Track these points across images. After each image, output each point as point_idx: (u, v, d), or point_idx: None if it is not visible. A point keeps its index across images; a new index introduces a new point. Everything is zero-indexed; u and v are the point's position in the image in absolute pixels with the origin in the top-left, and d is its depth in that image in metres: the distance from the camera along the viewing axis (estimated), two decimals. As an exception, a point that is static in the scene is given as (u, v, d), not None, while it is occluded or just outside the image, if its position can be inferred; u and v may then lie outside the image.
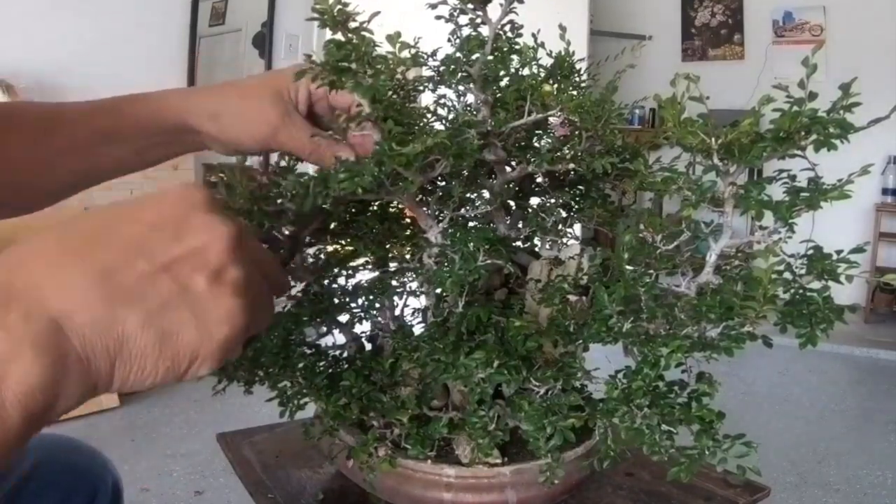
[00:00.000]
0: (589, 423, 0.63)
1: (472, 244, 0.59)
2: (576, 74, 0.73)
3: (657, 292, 0.58)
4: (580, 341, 0.61)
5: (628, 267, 0.58)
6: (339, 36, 0.52)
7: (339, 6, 0.49)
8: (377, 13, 0.52)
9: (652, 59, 5.12)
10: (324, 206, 0.60)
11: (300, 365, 0.71)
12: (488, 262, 0.60)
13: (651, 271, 0.58)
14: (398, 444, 0.68)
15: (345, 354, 0.79)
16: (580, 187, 0.79)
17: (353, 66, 0.52)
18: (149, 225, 0.39)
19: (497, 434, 0.62)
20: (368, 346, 0.83)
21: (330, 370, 0.72)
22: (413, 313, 0.80)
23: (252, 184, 0.77)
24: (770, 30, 4.95)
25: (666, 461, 0.56)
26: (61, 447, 0.87)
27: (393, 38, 0.53)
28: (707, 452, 0.55)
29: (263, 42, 3.57)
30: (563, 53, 0.71)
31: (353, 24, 0.51)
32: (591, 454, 0.66)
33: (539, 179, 0.82)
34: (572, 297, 0.63)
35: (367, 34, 0.52)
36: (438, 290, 0.69)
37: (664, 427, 0.55)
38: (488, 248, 0.60)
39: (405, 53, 0.55)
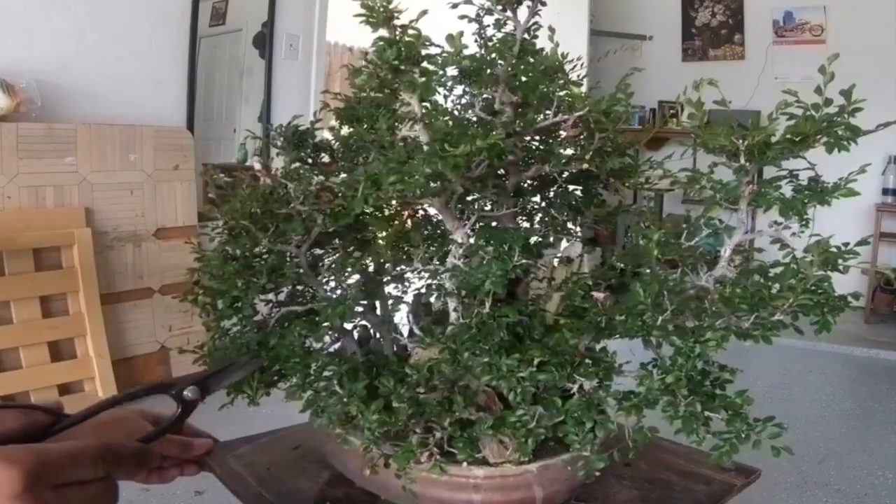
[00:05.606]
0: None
1: (507, 244, 0.59)
2: (577, 76, 0.74)
3: (685, 286, 0.59)
4: (613, 336, 0.63)
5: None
6: (385, 33, 0.52)
7: (383, 3, 0.49)
8: (425, 11, 0.52)
9: (652, 59, 5.12)
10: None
11: (327, 373, 0.69)
12: (523, 261, 0.60)
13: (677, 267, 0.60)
14: (442, 449, 0.66)
15: (360, 359, 0.78)
16: (580, 187, 0.80)
17: (403, 66, 0.52)
18: None
19: (539, 432, 0.62)
20: (368, 347, 0.82)
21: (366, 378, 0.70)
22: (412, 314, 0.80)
23: (260, 186, 0.77)
24: (770, 30, 4.96)
25: (666, 450, 0.56)
26: None
27: (454, 39, 0.53)
28: (742, 435, 0.58)
29: (264, 42, 3.56)
30: (565, 54, 0.72)
31: (397, 22, 0.51)
32: (611, 446, 0.66)
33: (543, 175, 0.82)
34: (598, 294, 0.64)
35: (415, 32, 0.52)
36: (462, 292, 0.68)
37: (706, 413, 0.57)
38: (522, 247, 0.60)
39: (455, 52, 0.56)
